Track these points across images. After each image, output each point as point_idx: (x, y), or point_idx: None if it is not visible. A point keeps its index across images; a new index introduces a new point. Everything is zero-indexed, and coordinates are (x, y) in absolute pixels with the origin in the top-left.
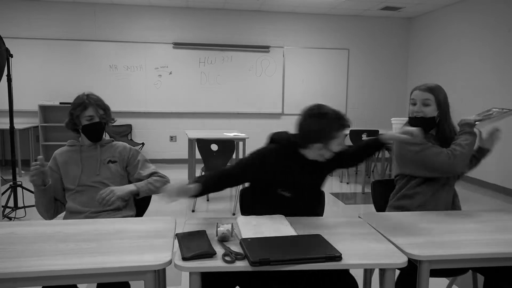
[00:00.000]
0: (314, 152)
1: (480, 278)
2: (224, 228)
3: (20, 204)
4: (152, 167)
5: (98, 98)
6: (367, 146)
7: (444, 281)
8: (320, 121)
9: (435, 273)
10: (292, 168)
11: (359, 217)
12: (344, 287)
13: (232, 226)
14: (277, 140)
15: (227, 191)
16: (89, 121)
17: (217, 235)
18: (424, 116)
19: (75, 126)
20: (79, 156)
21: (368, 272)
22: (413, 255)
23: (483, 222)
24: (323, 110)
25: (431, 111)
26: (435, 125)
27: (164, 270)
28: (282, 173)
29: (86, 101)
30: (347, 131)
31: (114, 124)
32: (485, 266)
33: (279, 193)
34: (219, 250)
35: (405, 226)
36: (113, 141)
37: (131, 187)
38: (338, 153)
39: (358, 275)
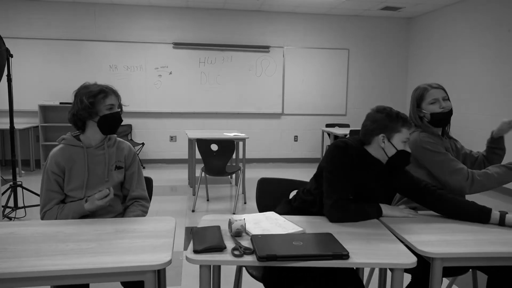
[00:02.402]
0: (377, 149)
1: (480, 278)
2: (238, 223)
3: (20, 204)
4: (143, 185)
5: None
6: (463, 212)
7: (444, 281)
8: (380, 113)
9: None
10: (362, 172)
11: None
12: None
13: (244, 221)
14: (344, 140)
15: (228, 191)
16: (109, 110)
17: (231, 230)
18: (450, 108)
19: (87, 118)
20: (84, 158)
21: (382, 273)
22: (425, 252)
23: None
24: (383, 106)
25: (450, 104)
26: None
27: (164, 270)
28: (355, 177)
29: (105, 89)
30: (407, 133)
31: None
32: (495, 265)
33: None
34: (230, 244)
35: (420, 225)
36: (116, 138)
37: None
38: (409, 177)
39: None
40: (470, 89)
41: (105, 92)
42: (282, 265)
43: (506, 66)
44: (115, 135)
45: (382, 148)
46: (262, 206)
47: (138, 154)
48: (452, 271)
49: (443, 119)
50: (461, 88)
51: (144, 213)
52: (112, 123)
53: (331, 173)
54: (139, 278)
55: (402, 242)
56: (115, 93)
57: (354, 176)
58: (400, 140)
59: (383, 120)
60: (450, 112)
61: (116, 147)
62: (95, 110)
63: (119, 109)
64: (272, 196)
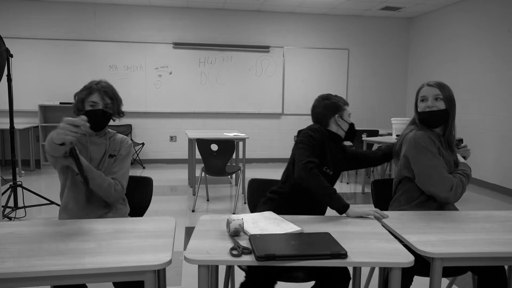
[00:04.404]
0: (334, 128)
1: None
2: (236, 223)
3: (20, 204)
4: (122, 171)
5: (108, 85)
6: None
7: (444, 281)
8: (327, 100)
9: None
10: (331, 147)
11: (374, 216)
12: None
13: (242, 221)
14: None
15: (227, 191)
16: (92, 107)
17: (229, 230)
18: (438, 109)
19: (78, 111)
20: (87, 142)
21: (382, 272)
22: (425, 252)
23: (495, 222)
24: (325, 95)
25: (443, 105)
26: (447, 119)
27: (164, 270)
28: (326, 153)
29: (94, 86)
30: (348, 109)
31: (114, 124)
32: (495, 264)
33: (324, 171)
34: (229, 244)
35: (420, 225)
36: (116, 133)
37: (84, 162)
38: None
39: (361, 274)
40: (470, 89)
41: (90, 89)
42: (281, 264)
43: (506, 66)
44: (114, 131)
45: (339, 126)
46: (252, 206)
47: (138, 154)
48: (451, 271)
49: (426, 119)
50: (462, 88)
51: (115, 191)
52: (93, 119)
53: (302, 142)
54: (139, 278)
55: (401, 241)
56: (100, 91)
57: (328, 151)
58: (347, 115)
59: (332, 104)
60: (438, 113)
61: (113, 139)
62: (79, 106)
63: (108, 110)
64: (262, 197)
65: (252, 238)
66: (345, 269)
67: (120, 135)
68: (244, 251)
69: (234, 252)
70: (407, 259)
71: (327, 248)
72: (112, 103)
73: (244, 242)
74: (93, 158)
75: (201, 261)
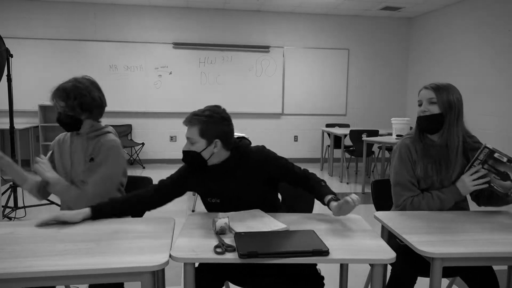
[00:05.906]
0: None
1: None
2: (221, 221)
3: (20, 204)
4: (94, 178)
5: (64, 86)
6: (309, 188)
7: (444, 281)
8: (226, 122)
9: None
10: (209, 176)
11: (374, 216)
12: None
13: (228, 219)
14: None
15: None
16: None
17: (215, 228)
18: (431, 113)
19: None
20: (69, 147)
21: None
22: (426, 252)
23: (496, 222)
24: (223, 113)
25: (437, 109)
26: (443, 124)
27: (163, 270)
28: (203, 184)
29: (54, 90)
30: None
31: (115, 124)
32: (496, 264)
33: (210, 201)
34: (214, 242)
35: (420, 225)
36: (106, 133)
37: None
38: (275, 168)
39: (361, 275)
40: (471, 89)
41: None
42: (263, 262)
43: (507, 66)
44: (105, 131)
45: (212, 152)
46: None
47: (138, 154)
48: (451, 271)
49: (420, 123)
50: (462, 88)
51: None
52: (60, 122)
53: None
54: (137, 279)
55: (400, 240)
56: (53, 95)
57: (205, 181)
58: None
59: (225, 132)
60: (430, 118)
61: (97, 141)
62: None
63: (65, 112)
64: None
65: (237, 236)
66: (317, 275)
67: (106, 137)
68: (228, 248)
69: (218, 250)
70: (389, 255)
71: (309, 245)
72: (66, 105)
73: (230, 240)
74: (73, 162)
75: (186, 259)
